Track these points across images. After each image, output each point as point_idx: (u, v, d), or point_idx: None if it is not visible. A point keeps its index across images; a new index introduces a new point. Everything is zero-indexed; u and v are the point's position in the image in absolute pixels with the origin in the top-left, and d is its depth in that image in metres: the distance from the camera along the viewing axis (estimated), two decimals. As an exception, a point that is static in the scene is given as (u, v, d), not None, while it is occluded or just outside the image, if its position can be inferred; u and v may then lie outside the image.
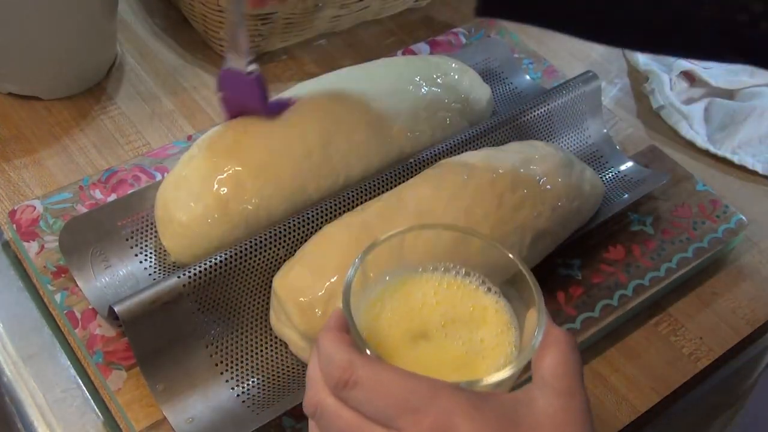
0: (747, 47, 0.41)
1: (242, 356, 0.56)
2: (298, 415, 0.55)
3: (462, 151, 0.64)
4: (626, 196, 0.69)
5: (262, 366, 0.56)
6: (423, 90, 0.66)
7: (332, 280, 0.54)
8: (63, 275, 0.59)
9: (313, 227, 0.59)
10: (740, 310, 0.67)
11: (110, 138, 0.71)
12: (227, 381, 0.55)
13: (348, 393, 0.37)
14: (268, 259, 0.58)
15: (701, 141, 0.80)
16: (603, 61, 0.87)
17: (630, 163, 0.73)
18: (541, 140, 0.69)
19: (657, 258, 0.66)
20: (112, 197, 0.63)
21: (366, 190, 0.61)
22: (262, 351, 0.57)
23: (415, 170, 0.62)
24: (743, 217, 0.70)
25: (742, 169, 0.79)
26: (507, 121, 0.69)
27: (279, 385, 0.56)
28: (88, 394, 0.56)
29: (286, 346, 0.57)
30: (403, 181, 0.61)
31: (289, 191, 0.59)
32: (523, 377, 0.41)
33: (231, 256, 0.56)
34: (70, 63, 0.72)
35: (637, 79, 0.86)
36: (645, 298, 0.64)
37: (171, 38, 0.81)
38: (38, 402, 0.56)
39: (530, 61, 0.81)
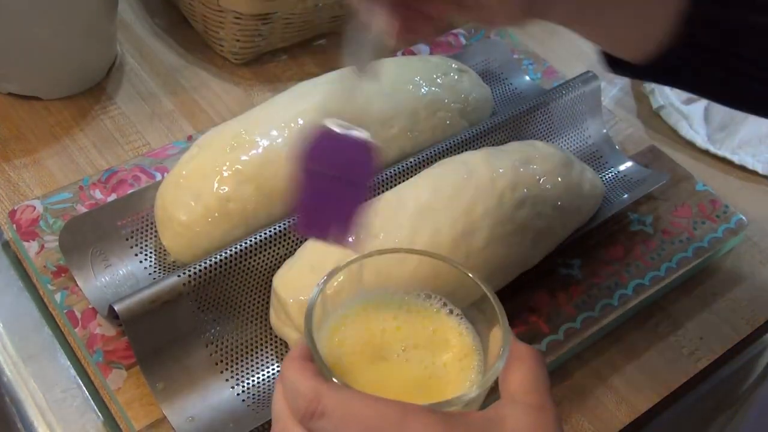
0: None
1: (242, 355, 0.56)
2: (298, 414, 0.55)
3: (462, 151, 0.64)
4: (626, 196, 0.69)
5: (262, 365, 0.56)
6: (423, 90, 0.66)
7: (332, 279, 0.54)
8: (63, 275, 0.59)
9: (313, 227, 0.59)
10: (740, 310, 0.67)
11: (110, 138, 0.71)
12: (227, 380, 0.55)
13: (315, 423, 0.36)
14: (268, 259, 0.58)
15: (701, 141, 0.80)
16: (603, 62, 0.87)
17: (630, 163, 0.73)
18: (541, 140, 0.69)
19: (657, 258, 0.66)
20: (112, 197, 0.63)
21: (366, 189, 0.61)
22: (262, 350, 0.57)
23: (415, 170, 0.62)
24: (743, 217, 0.70)
25: (742, 169, 0.79)
26: (507, 121, 0.69)
27: (279, 384, 0.56)
28: (88, 393, 0.56)
29: (286, 345, 0.57)
30: (403, 181, 0.61)
31: (289, 191, 0.59)
32: (491, 397, 0.41)
33: (231, 256, 0.56)
34: (70, 63, 0.72)
35: (637, 79, 0.86)
36: (645, 298, 0.64)
37: (171, 38, 0.81)
38: (38, 402, 0.56)
39: (530, 61, 0.81)
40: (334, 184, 0.41)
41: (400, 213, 0.57)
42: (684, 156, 0.79)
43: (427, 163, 0.63)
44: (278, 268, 0.58)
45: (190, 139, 0.68)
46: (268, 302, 0.58)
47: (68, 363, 0.58)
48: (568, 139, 0.73)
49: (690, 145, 0.80)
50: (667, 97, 0.82)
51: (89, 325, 0.57)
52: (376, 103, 0.63)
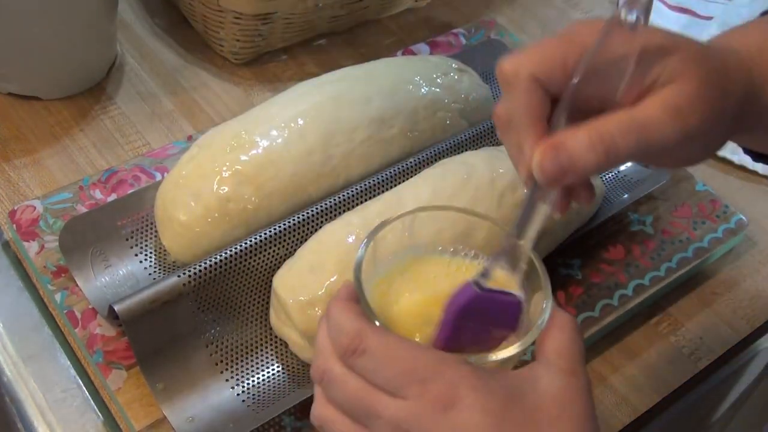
0: None
1: (242, 355, 0.56)
2: (298, 414, 0.55)
3: (462, 151, 0.64)
4: (626, 196, 0.69)
5: (262, 365, 0.56)
6: (423, 90, 0.66)
7: (332, 279, 0.54)
8: (63, 275, 0.59)
9: (313, 227, 0.59)
10: (740, 310, 0.67)
11: (110, 138, 0.71)
12: (227, 380, 0.55)
13: (356, 361, 0.38)
14: (268, 259, 0.58)
15: (701, 141, 0.80)
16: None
17: (630, 163, 0.73)
18: (541, 140, 0.69)
19: (657, 258, 0.66)
20: (112, 197, 0.63)
21: (366, 190, 0.61)
22: (262, 350, 0.57)
23: (415, 170, 0.62)
24: (743, 217, 0.70)
25: (742, 169, 0.79)
26: (507, 121, 0.68)
27: (279, 384, 0.56)
28: (88, 394, 0.56)
29: (286, 345, 0.57)
30: (403, 181, 0.61)
31: (289, 191, 0.59)
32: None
33: (231, 256, 0.56)
34: (70, 63, 0.72)
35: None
36: (645, 298, 0.64)
37: (171, 38, 0.81)
38: (38, 402, 0.56)
39: (530, 61, 0.81)
40: (478, 332, 0.42)
41: (400, 213, 0.57)
42: (684, 156, 0.79)
43: (427, 163, 0.63)
44: (278, 268, 0.58)
45: (190, 139, 0.68)
46: (268, 302, 0.58)
47: (68, 363, 0.58)
48: (568, 139, 0.73)
49: (690, 145, 0.80)
50: (667, 97, 0.82)
51: (89, 326, 0.57)
52: (376, 103, 0.63)
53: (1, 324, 0.59)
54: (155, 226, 0.60)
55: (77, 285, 0.58)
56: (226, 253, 0.56)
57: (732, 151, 0.79)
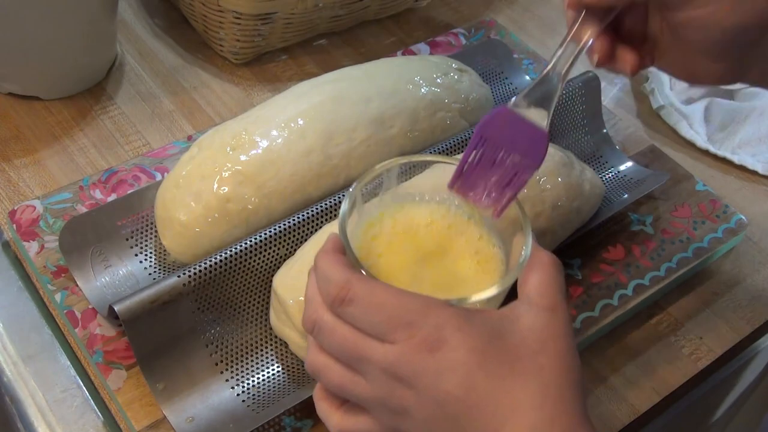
0: None
1: (242, 355, 0.56)
2: (298, 414, 0.55)
3: (462, 151, 0.64)
4: (626, 196, 0.69)
5: (262, 365, 0.56)
6: (423, 90, 0.66)
7: (332, 279, 0.54)
8: (63, 275, 0.59)
9: (313, 227, 0.59)
10: (740, 310, 0.67)
11: (110, 138, 0.72)
12: (227, 380, 0.55)
13: (344, 309, 0.40)
14: (268, 259, 0.58)
15: (701, 141, 0.80)
16: (603, 62, 0.87)
17: (630, 163, 0.73)
18: (541, 140, 0.69)
19: (657, 258, 0.66)
20: (112, 197, 0.63)
21: (366, 189, 0.61)
22: (262, 350, 0.57)
23: (415, 170, 0.62)
24: (743, 217, 0.70)
25: (742, 169, 0.79)
26: (507, 121, 0.68)
27: (279, 384, 0.56)
28: (88, 393, 0.56)
29: (286, 346, 0.57)
30: (403, 182, 0.61)
31: (289, 191, 0.59)
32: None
33: (231, 256, 0.56)
34: (70, 63, 0.72)
35: (637, 79, 0.86)
36: (645, 298, 0.64)
37: (171, 38, 0.81)
38: (38, 402, 0.56)
39: (530, 61, 0.81)
40: (504, 158, 0.44)
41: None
42: (684, 156, 0.79)
43: (427, 164, 0.63)
44: (278, 268, 0.58)
45: (190, 139, 0.68)
46: (268, 302, 0.58)
47: (68, 363, 0.58)
48: (568, 139, 0.73)
49: (690, 145, 0.80)
50: (667, 97, 0.82)
51: (89, 325, 0.57)
52: (376, 103, 0.63)
53: (1, 324, 0.59)
54: (155, 226, 0.60)
55: (77, 285, 0.58)
56: (226, 253, 0.56)
57: (732, 151, 0.79)
